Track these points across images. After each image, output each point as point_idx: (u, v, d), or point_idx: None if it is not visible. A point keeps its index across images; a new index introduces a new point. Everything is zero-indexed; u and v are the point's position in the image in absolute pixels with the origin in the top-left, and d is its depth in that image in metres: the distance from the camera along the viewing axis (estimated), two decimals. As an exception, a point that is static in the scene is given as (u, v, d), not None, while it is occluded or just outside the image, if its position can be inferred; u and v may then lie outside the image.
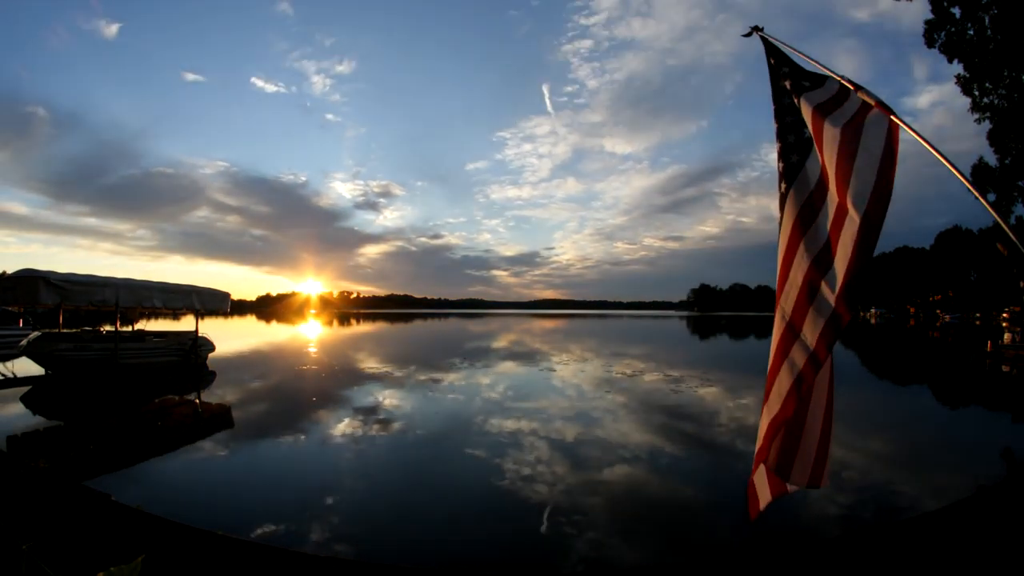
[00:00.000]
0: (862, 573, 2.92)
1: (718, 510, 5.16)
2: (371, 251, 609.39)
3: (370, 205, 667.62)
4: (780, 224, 2.33)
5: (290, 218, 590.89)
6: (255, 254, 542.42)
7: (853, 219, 1.87)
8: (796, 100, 2.35)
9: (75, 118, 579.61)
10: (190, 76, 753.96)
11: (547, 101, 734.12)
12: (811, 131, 2.20)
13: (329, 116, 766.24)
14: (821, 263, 2.08)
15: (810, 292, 2.08)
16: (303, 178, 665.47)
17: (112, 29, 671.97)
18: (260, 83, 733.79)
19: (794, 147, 2.37)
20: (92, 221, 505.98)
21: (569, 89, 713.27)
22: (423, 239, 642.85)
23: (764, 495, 2.32)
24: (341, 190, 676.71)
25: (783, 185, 2.35)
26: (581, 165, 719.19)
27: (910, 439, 8.22)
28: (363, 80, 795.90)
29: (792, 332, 2.13)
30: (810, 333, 2.06)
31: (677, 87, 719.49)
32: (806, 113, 2.22)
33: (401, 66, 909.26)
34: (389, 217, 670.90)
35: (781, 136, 2.42)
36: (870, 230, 1.82)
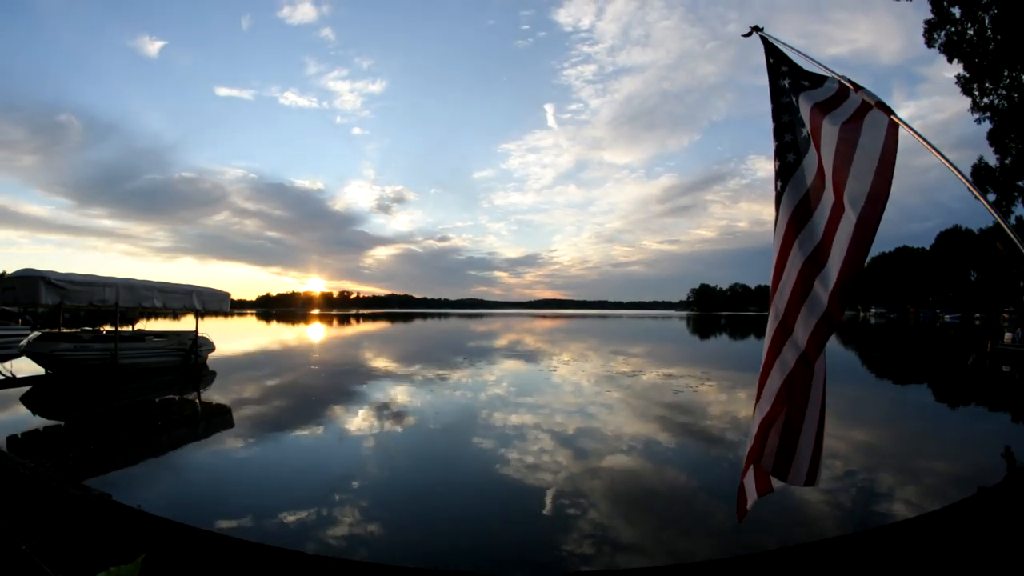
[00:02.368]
0: (862, 573, 2.91)
1: (710, 495, 5.31)
2: (380, 253, 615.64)
3: (383, 209, 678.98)
4: (775, 222, 2.31)
5: (306, 222, 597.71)
6: (266, 255, 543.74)
7: (850, 218, 1.85)
8: (794, 99, 2.33)
9: (113, 128, 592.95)
10: (224, 91, 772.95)
11: (551, 118, 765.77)
12: (809, 130, 2.18)
13: (356, 130, 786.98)
14: (815, 262, 2.06)
15: (803, 291, 2.07)
16: (320, 184, 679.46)
17: (155, 46, 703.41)
18: (293, 97, 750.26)
19: (791, 146, 2.36)
20: (108, 223, 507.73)
21: (573, 107, 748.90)
22: (431, 242, 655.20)
23: (751, 495, 2.28)
24: (357, 196, 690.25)
25: (779, 183, 2.33)
26: (582, 174, 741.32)
27: (909, 439, 8.20)
28: (391, 98, 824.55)
29: (784, 331, 2.11)
30: (802, 332, 2.04)
31: (672, 104, 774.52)
32: (804, 112, 2.20)
33: (423, 86, 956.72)
34: (401, 221, 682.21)
35: (778, 135, 2.41)
36: (866, 230, 1.80)
